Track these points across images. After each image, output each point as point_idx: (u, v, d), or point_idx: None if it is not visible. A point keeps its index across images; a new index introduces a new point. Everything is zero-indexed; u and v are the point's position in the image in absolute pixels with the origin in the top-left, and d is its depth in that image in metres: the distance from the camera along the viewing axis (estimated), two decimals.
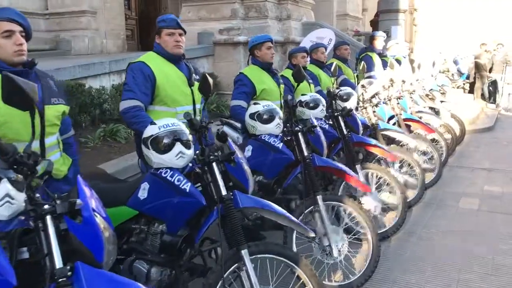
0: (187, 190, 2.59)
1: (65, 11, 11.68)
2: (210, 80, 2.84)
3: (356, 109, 5.58)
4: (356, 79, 6.88)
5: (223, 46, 10.54)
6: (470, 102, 12.25)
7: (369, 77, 7.30)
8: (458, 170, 7.00)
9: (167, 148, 2.64)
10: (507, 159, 7.62)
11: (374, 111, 5.46)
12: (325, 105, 4.79)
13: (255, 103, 3.91)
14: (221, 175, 2.63)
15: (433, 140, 6.99)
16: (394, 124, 6.13)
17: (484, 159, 7.63)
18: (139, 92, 3.24)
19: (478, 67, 13.61)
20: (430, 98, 7.68)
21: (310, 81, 5.83)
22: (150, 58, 3.39)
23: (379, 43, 7.51)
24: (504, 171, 6.91)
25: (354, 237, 3.70)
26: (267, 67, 4.48)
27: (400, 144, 5.93)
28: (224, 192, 2.60)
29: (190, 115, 2.71)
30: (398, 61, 8.52)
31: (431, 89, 7.80)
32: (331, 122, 4.64)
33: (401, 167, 5.69)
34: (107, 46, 11.99)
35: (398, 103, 6.15)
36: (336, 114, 4.67)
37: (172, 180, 2.61)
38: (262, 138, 3.73)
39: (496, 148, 8.58)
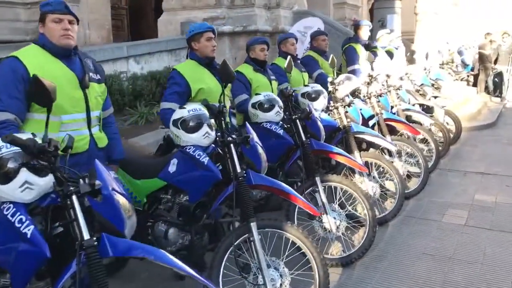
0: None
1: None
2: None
3: (328, 109, 4.82)
4: (334, 74, 6.09)
5: None
6: (472, 95, 11.36)
7: (352, 71, 6.51)
8: (448, 175, 6.20)
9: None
10: (504, 161, 6.79)
11: (346, 112, 4.69)
12: (282, 106, 4.07)
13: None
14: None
15: (423, 141, 6.22)
16: (374, 125, 5.36)
17: (480, 161, 6.81)
18: (7, 99, 2.51)
19: (482, 58, 12.69)
20: (420, 94, 6.86)
21: (303, 69, 5.28)
22: (28, 53, 2.64)
23: (364, 33, 6.69)
24: (500, 176, 6.09)
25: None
26: (206, 62, 3.76)
27: (381, 148, 5.17)
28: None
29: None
30: (390, 53, 7.71)
31: (422, 84, 6.96)
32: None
33: (381, 173, 4.94)
34: (90, 37, 11.30)
35: (378, 101, 5.37)
36: (293, 117, 3.93)
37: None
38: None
39: (495, 147, 7.74)
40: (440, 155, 6.55)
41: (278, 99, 4.08)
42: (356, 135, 4.72)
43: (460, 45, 14.36)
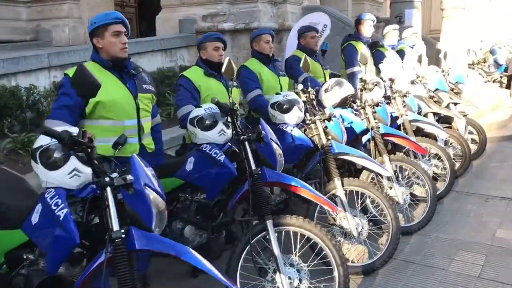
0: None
1: None
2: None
3: (304, 122, 3.74)
4: (325, 77, 4.98)
5: None
6: (504, 99, 9.93)
7: (351, 74, 5.38)
8: (466, 200, 4.98)
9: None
10: None
11: (325, 127, 3.59)
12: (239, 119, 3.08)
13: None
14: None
15: (436, 157, 5.05)
16: (367, 141, 4.24)
17: (507, 182, 5.52)
18: None
19: None
20: (435, 101, 5.64)
21: (282, 72, 4.50)
22: None
23: (366, 29, 5.53)
24: None
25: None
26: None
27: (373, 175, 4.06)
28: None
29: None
30: (402, 52, 6.51)
31: (437, 89, 5.73)
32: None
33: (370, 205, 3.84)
34: None
35: (374, 112, 4.23)
36: (241, 138, 2.88)
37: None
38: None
39: None
40: (456, 175, 5.35)
41: (298, 99, 3.72)
42: (338, 157, 3.63)
43: (493, 44, 12.88)
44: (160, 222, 2.07)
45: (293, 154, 3.57)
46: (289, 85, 4.93)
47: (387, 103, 5.00)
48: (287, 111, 3.68)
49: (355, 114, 4.29)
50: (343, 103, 4.36)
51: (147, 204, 2.01)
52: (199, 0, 8.86)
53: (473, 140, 6.53)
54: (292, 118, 3.67)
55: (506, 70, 12.01)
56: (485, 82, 11.58)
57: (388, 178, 4.02)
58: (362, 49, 5.47)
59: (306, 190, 2.84)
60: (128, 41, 2.80)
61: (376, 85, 4.88)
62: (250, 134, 2.83)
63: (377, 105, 4.24)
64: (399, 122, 4.87)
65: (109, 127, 2.65)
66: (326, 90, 4.35)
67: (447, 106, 6.05)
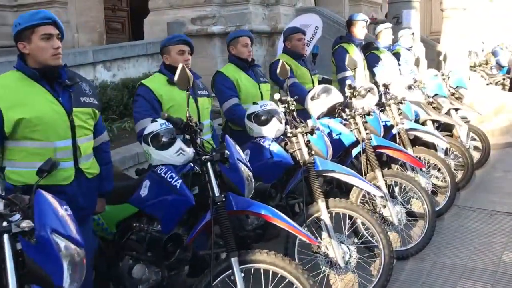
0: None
1: (33, 2, 9.88)
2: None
3: (285, 135, 3.27)
4: (313, 83, 4.51)
5: (196, 39, 8.19)
6: (508, 102, 9.43)
7: (342, 79, 4.91)
8: (468, 216, 4.50)
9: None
10: None
11: (307, 142, 3.12)
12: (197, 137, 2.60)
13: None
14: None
15: (436, 168, 4.59)
16: (358, 154, 3.78)
17: None
18: None
19: None
20: (434, 107, 5.16)
21: (263, 79, 3.99)
22: None
23: (359, 30, 5.06)
24: None
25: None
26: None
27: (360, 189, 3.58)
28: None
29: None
30: (398, 54, 6.04)
31: (436, 95, 5.25)
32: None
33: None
34: (79, 41, 10.11)
35: (365, 122, 3.76)
36: (203, 159, 2.43)
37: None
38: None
39: None
40: (458, 187, 4.88)
41: (277, 110, 3.24)
42: (323, 174, 3.18)
43: (495, 45, 12.41)
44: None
45: (271, 172, 3.11)
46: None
47: (381, 110, 4.54)
48: (265, 123, 3.16)
49: (345, 124, 3.83)
50: (331, 112, 3.90)
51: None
52: (188, 3, 8.42)
53: (476, 148, 6.06)
54: (271, 131, 3.18)
55: (508, 72, 11.54)
56: (487, 84, 11.09)
57: (382, 196, 3.56)
58: (354, 52, 5.01)
59: (279, 220, 2.43)
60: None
61: (369, 91, 4.41)
62: (213, 154, 2.46)
63: (368, 114, 3.77)
64: (394, 131, 4.40)
65: (35, 150, 2.18)
66: (312, 98, 3.89)
67: (448, 113, 5.58)
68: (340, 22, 8.63)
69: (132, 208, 2.63)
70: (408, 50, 6.40)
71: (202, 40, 8.25)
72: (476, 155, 5.93)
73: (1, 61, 5.98)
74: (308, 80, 4.43)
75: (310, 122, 3.14)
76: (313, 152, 3.12)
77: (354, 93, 3.72)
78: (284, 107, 3.06)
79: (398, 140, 4.40)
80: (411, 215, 3.95)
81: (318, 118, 3.89)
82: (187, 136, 2.49)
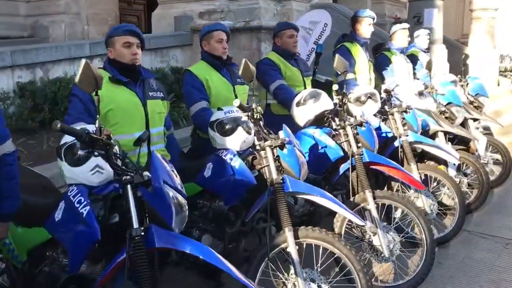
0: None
1: None
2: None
3: (254, 147, 2.75)
4: (305, 85, 3.97)
5: None
6: None
7: (342, 83, 4.35)
8: (479, 245, 3.87)
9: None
10: None
11: (277, 158, 2.60)
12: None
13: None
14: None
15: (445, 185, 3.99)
16: (347, 171, 3.23)
17: None
18: None
19: None
20: (446, 117, 4.53)
21: (240, 79, 3.43)
22: None
23: (365, 29, 4.48)
24: None
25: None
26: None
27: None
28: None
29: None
30: (414, 57, 5.43)
31: (449, 103, 4.61)
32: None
33: None
34: (89, 33, 9.78)
35: (357, 134, 3.21)
36: (123, 180, 1.94)
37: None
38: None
39: None
40: (469, 210, 4.27)
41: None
42: (293, 195, 2.66)
43: None
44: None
45: (232, 192, 2.63)
46: (261, 95, 3.97)
47: (383, 119, 3.98)
48: (229, 132, 2.69)
49: (334, 135, 3.29)
50: (320, 121, 3.36)
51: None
52: None
53: (497, 161, 5.38)
54: (235, 142, 2.69)
55: None
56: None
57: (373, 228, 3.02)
58: (359, 53, 4.44)
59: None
60: None
61: (369, 97, 3.86)
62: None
63: (360, 124, 3.22)
64: (396, 144, 3.83)
65: None
66: (298, 104, 3.36)
67: (464, 123, 4.95)
68: (346, 14, 8.04)
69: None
70: (425, 52, 5.79)
71: None
72: (497, 169, 5.27)
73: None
74: (299, 82, 3.89)
75: (281, 134, 2.62)
76: (282, 169, 2.59)
77: (344, 100, 3.16)
78: (247, 115, 2.54)
79: (400, 154, 3.83)
80: (405, 246, 3.38)
81: (304, 127, 3.38)
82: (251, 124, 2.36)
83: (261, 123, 2.56)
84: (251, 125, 2.68)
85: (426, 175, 3.90)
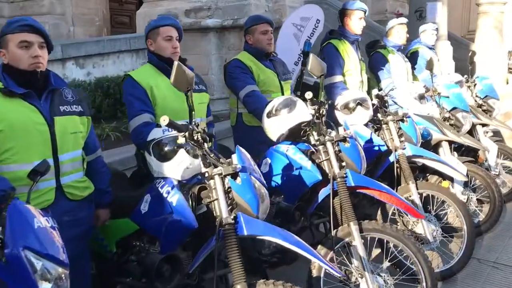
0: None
1: None
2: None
3: (204, 176, 2.11)
4: (282, 91, 3.31)
5: (189, 33, 7.23)
6: None
7: (330, 86, 3.73)
8: (490, 278, 3.22)
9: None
10: None
11: (229, 190, 1.97)
12: None
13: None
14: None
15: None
16: (327, 198, 2.59)
17: None
18: None
19: None
20: (451, 124, 3.86)
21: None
22: None
23: (355, 23, 3.81)
24: None
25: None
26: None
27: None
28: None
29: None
30: (416, 55, 4.78)
31: (454, 108, 3.94)
32: None
33: None
34: (74, 35, 9.23)
35: (339, 152, 2.56)
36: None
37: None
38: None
39: None
40: (478, 232, 3.63)
41: None
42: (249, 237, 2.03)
43: None
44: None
45: (168, 237, 2.04)
46: (232, 103, 3.35)
47: (376, 129, 3.34)
48: (167, 156, 2.08)
49: (312, 153, 2.65)
50: (297, 135, 2.72)
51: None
52: None
53: (510, 171, 4.71)
54: (175, 169, 2.08)
55: None
56: None
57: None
58: (348, 51, 3.79)
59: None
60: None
61: (359, 104, 3.23)
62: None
63: (344, 140, 2.57)
64: (391, 158, 3.19)
65: None
66: (269, 115, 2.72)
67: (472, 130, 4.29)
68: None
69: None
70: (431, 48, 5.12)
71: (195, 35, 7.17)
72: (509, 179, 4.61)
73: None
74: (275, 87, 3.24)
75: (234, 159, 1.99)
76: (235, 204, 1.96)
77: (321, 111, 2.52)
78: (184, 136, 1.90)
79: (396, 170, 3.20)
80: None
81: (277, 142, 2.75)
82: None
83: (206, 145, 1.93)
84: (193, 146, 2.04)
85: (425, 196, 3.26)
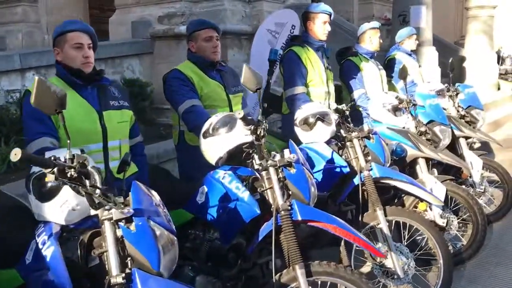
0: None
1: None
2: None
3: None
4: (231, 106, 2.87)
5: (163, 40, 6.87)
6: None
7: (291, 98, 3.32)
8: None
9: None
10: None
11: (121, 239, 1.54)
12: None
13: None
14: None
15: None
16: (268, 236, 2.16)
17: None
18: None
19: None
20: (428, 139, 3.43)
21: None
22: None
23: (319, 28, 3.38)
24: None
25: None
26: None
27: None
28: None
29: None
30: (393, 62, 4.38)
31: (431, 121, 3.50)
32: None
33: None
34: (49, 43, 8.81)
35: (284, 179, 2.14)
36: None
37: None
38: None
39: None
40: (460, 260, 3.21)
41: None
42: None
43: None
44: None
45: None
46: (174, 120, 2.93)
47: (340, 148, 2.92)
48: (48, 196, 1.65)
49: (254, 179, 2.22)
50: (239, 158, 2.29)
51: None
52: None
53: (498, 185, 4.27)
54: (58, 212, 1.64)
55: None
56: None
57: None
58: (312, 59, 3.37)
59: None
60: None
61: (319, 119, 2.82)
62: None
63: (289, 165, 2.14)
64: (356, 181, 2.77)
65: None
66: (205, 135, 2.30)
67: (454, 144, 3.87)
68: (336, 22, 6.98)
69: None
70: (410, 55, 4.71)
71: (170, 42, 6.79)
72: (497, 194, 4.19)
73: None
74: (222, 101, 2.80)
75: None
76: (128, 254, 1.53)
77: (259, 131, 2.08)
78: (54, 172, 1.47)
79: (362, 194, 2.78)
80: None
81: (216, 166, 2.32)
82: None
83: (89, 181, 1.51)
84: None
85: (394, 223, 2.84)
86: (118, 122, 2.21)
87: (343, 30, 7.22)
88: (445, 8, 15.27)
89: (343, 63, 3.94)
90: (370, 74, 3.90)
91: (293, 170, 2.14)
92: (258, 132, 2.05)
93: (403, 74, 3.37)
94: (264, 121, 2.10)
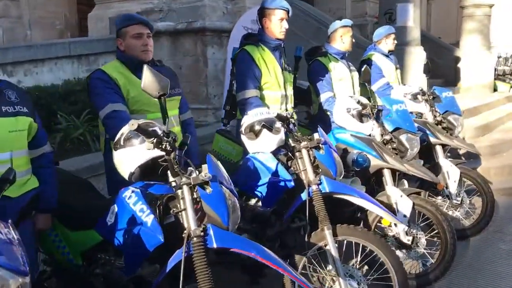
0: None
1: None
2: None
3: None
4: (166, 114, 2.57)
5: None
6: None
7: (243, 102, 3.01)
8: None
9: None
10: None
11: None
12: None
13: None
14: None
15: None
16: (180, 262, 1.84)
17: None
18: None
19: None
20: (394, 148, 3.10)
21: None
22: None
23: (276, 25, 3.04)
24: None
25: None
26: None
27: None
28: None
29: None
30: (366, 63, 4.05)
31: (396, 129, 3.16)
32: None
33: None
34: (32, 39, 8.56)
35: (199, 200, 1.83)
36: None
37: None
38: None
39: None
40: (426, 283, 2.89)
41: None
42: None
43: None
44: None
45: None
46: (100, 125, 2.62)
47: (288, 159, 2.60)
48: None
49: (170, 199, 1.91)
50: (154, 173, 1.99)
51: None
52: None
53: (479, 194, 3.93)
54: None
55: None
56: None
57: None
58: (267, 60, 3.05)
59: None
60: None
61: (265, 127, 2.52)
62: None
63: (206, 183, 1.83)
64: (304, 196, 2.46)
65: None
66: (116, 146, 2.00)
67: (431, 151, 3.55)
68: (321, 20, 6.64)
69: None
70: (387, 56, 4.37)
71: None
72: (477, 202, 3.86)
73: None
74: (153, 106, 2.44)
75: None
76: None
77: (164, 145, 1.77)
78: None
79: (312, 210, 2.46)
80: None
81: (130, 182, 2.02)
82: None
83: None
84: None
85: (345, 243, 2.53)
86: (10, 131, 1.91)
87: (317, 21, 6.86)
88: (447, 7, 14.86)
89: (311, 64, 3.62)
90: (340, 76, 3.58)
91: (209, 190, 1.82)
92: (164, 146, 1.74)
93: (365, 77, 3.03)
94: (169, 133, 1.79)
